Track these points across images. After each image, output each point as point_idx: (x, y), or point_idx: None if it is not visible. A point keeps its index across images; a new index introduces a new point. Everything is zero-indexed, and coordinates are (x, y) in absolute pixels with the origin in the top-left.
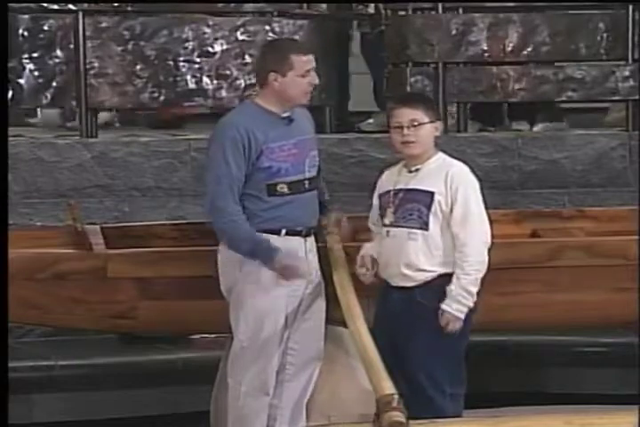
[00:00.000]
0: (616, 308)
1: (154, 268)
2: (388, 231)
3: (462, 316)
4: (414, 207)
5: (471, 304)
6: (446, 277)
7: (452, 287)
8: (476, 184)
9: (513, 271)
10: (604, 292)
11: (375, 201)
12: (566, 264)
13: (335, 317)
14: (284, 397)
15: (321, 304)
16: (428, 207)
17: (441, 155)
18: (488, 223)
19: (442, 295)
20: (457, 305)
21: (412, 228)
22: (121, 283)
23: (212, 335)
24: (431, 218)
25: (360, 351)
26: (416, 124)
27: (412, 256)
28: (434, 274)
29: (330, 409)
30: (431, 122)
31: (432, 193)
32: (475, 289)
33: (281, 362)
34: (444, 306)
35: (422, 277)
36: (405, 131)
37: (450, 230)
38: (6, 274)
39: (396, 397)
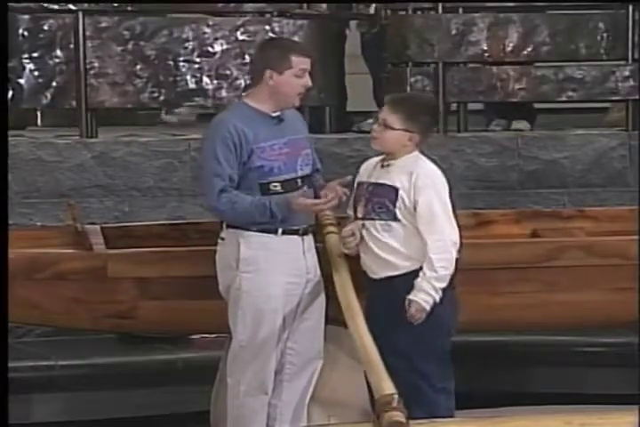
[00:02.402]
0: (616, 308)
1: (154, 268)
2: (363, 224)
3: (427, 307)
4: (381, 202)
5: (437, 298)
6: None
7: (419, 280)
8: (441, 186)
9: (513, 271)
10: (603, 292)
11: (354, 189)
12: (566, 264)
13: (335, 316)
14: (283, 396)
15: (320, 304)
16: (394, 202)
17: (416, 154)
18: (455, 223)
19: None
20: (423, 295)
21: (384, 220)
22: (121, 283)
23: (212, 335)
24: (397, 211)
25: (360, 351)
26: (385, 124)
27: (390, 242)
28: (415, 264)
29: (330, 409)
30: (404, 130)
31: (397, 189)
32: (440, 285)
33: (280, 362)
34: (410, 296)
35: (406, 264)
36: (374, 126)
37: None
38: (6, 274)
39: (396, 397)
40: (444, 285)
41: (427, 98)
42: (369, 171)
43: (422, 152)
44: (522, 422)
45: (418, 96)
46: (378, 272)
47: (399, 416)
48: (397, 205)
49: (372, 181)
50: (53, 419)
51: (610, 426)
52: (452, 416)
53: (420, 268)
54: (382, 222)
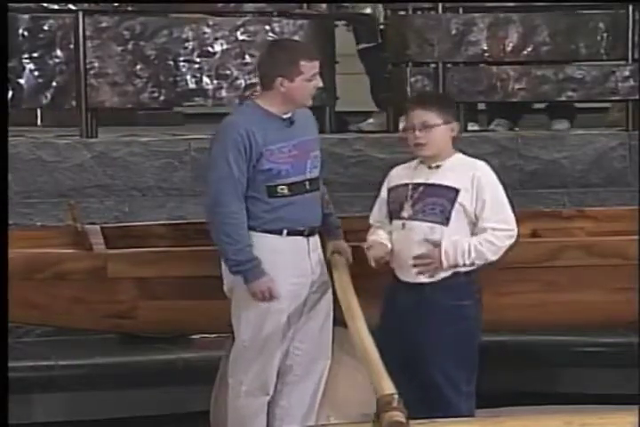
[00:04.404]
0: (616, 308)
1: (154, 268)
2: (404, 224)
3: (445, 263)
4: (436, 202)
5: (460, 263)
6: (462, 276)
7: (464, 241)
8: (499, 183)
9: (513, 271)
10: (604, 292)
11: (383, 194)
12: (566, 264)
13: (336, 317)
14: (292, 398)
15: (327, 304)
16: (452, 203)
17: (459, 153)
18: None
19: (458, 294)
20: (452, 249)
21: (433, 222)
22: (121, 283)
23: (212, 335)
24: (453, 214)
25: (360, 351)
26: (427, 125)
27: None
28: (448, 272)
29: (330, 409)
30: (445, 123)
31: (457, 190)
32: (471, 261)
33: (287, 363)
34: (443, 244)
35: (440, 272)
36: (417, 133)
37: (469, 227)
38: (6, 274)
39: (396, 397)
40: (475, 263)
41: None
42: (408, 174)
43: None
44: (522, 422)
45: (432, 91)
46: (414, 277)
47: (399, 416)
48: (455, 206)
49: (421, 181)
50: (53, 419)
51: (610, 426)
52: None
53: (455, 274)
54: (429, 225)
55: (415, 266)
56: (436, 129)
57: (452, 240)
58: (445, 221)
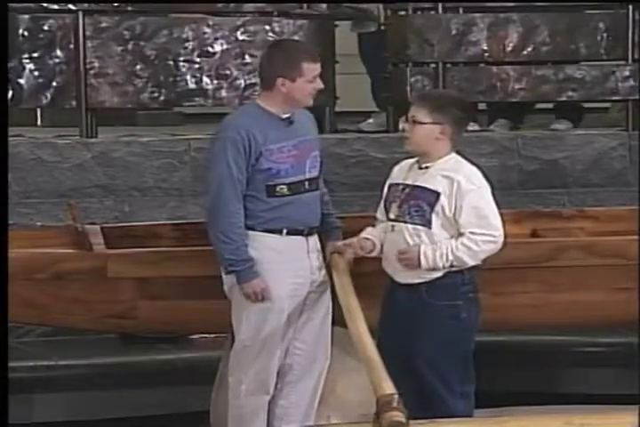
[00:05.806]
0: (616, 308)
1: (154, 268)
2: (392, 226)
3: (424, 263)
4: (418, 204)
5: (440, 266)
6: (455, 276)
7: (442, 242)
8: (484, 188)
9: (513, 271)
10: (604, 292)
11: (385, 190)
12: (566, 264)
13: (335, 317)
14: (292, 397)
15: (326, 304)
16: (432, 207)
17: (454, 156)
18: (501, 224)
19: (450, 294)
20: (430, 252)
21: (416, 224)
22: (121, 283)
23: (212, 335)
24: (433, 217)
25: (360, 351)
26: (415, 121)
27: None
28: (439, 272)
29: (330, 409)
30: (434, 124)
31: (438, 193)
32: (448, 264)
33: (288, 363)
34: (422, 245)
35: (428, 273)
36: (406, 126)
37: (453, 230)
38: (6, 274)
39: (396, 397)
40: (453, 265)
41: (453, 92)
42: (404, 172)
43: (458, 152)
44: (522, 422)
45: (444, 91)
46: (404, 277)
47: (399, 416)
48: (435, 209)
49: (409, 182)
50: (53, 419)
51: (610, 426)
52: None
53: (447, 274)
54: (414, 227)
55: (400, 260)
56: (421, 127)
57: (431, 245)
58: (428, 223)
